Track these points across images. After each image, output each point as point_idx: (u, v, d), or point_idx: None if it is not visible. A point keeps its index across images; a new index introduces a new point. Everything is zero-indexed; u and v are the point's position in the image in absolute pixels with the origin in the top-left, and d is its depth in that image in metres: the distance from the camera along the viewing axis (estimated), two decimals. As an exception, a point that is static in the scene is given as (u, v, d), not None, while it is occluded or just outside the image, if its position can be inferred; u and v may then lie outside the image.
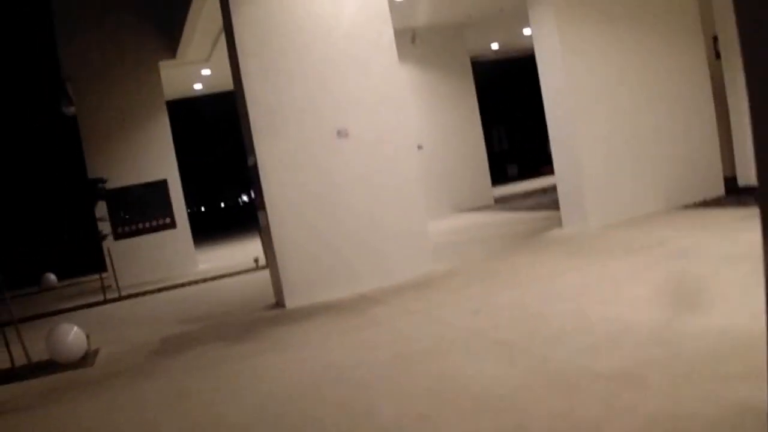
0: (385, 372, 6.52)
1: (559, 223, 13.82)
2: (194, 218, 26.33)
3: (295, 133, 10.95)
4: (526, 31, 24.57)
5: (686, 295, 7.19)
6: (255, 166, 10.84)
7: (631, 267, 9.12)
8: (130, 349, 10.00)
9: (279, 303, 11.17)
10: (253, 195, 11.97)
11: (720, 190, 13.90)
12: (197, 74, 23.35)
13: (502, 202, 23.12)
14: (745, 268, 7.66)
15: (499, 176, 27.10)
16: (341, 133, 11.05)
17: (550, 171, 33.19)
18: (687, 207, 13.24)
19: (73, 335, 9.68)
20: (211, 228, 39.77)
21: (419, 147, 20.51)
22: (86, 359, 9.64)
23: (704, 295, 7.02)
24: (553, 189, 22.70)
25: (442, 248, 13.74)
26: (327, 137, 11.10)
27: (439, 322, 8.08)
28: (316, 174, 11.03)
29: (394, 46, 11.74)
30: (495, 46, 28.05)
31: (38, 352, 9.75)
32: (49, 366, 9.50)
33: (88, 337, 9.88)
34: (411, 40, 21.73)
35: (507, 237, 14.31)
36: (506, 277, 10.12)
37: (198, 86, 25.71)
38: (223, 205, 69.95)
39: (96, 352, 10.07)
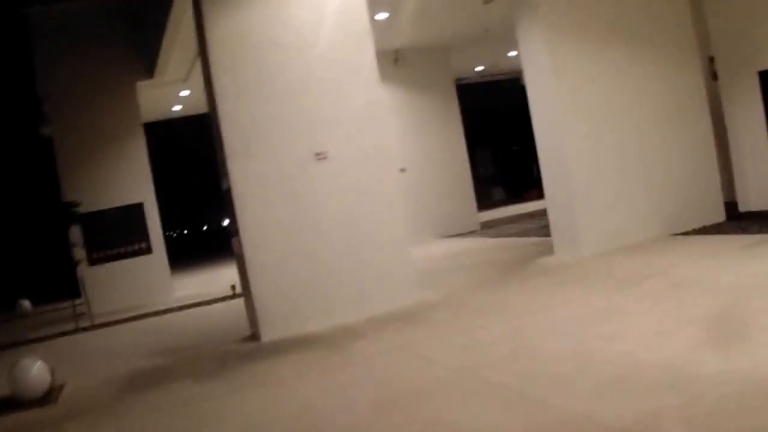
0: (368, 417, 5.94)
1: (550, 250, 13.22)
2: (174, 242, 25.78)
3: (271, 156, 10.40)
4: (511, 53, 24.34)
5: (699, 332, 6.59)
6: (228, 190, 10.22)
7: (633, 299, 8.53)
8: (96, 385, 9.41)
9: (254, 335, 10.51)
10: (227, 220, 11.37)
11: (720, 215, 13.42)
12: (176, 95, 22.73)
13: (488, 228, 22.49)
14: (758, 302, 7.13)
15: (484, 201, 26.59)
16: (319, 156, 10.48)
17: (536, 195, 33.23)
18: (686, 234, 12.71)
19: (35, 370, 9.04)
20: (191, 252, 39.05)
21: (402, 170, 19.83)
22: (50, 395, 9.01)
23: (719, 332, 6.49)
24: (540, 214, 22.38)
25: (427, 276, 13.09)
26: (304, 160, 10.55)
27: (426, 360, 7.44)
28: (293, 198, 10.46)
29: (375, 64, 11.21)
30: (480, 67, 27.60)
31: (1, 386, 9.15)
32: (9, 403, 8.88)
33: (53, 371, 9.25)
34: (394, 61, 21.19)
35: (496, 264, 13.70)
36: (497, 308, 9.50)
37: (177, 107, 25.09)
38: (204, 228, 69.43)
39: (61, 387, 9.46)
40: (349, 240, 10.73)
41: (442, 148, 22.48)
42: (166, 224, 24.03)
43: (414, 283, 11.22)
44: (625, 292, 8.91)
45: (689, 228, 12.95)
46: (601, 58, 12.69)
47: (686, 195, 13.11)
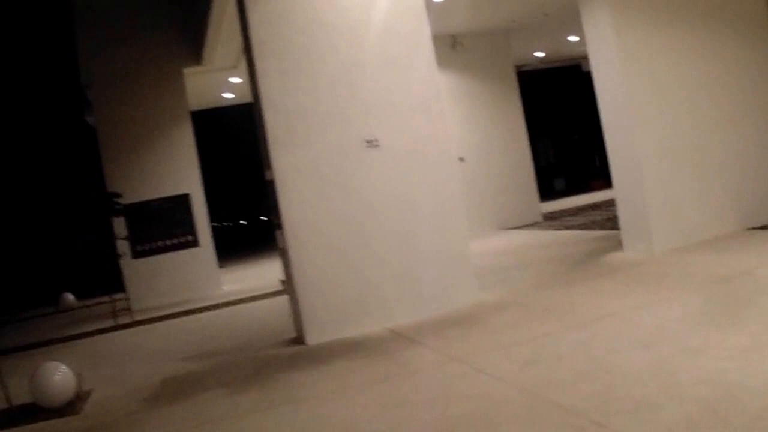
0: (417, 449, 5.08)
1: (618, 245, 12.32)
2: (224, 234, 25.13)
3: (318, 144, 9.60)
4: (572, 38, 23.84)
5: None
6: (272, 181, 9.41)
7: (717, 305, 7.61)
8: (125, 393, 8.67)
9: (298, 338, 9.72)
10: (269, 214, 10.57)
11: None
12: (226, 82, 21.97)
13: (550, 219, 21.58)
14: None
15: (545, 191, 25.66)
16: (371, 144, 9.65)
17: (599, 186, 32.43)
18: (762, 228, 11.76)
19: (59, 376, 8.37)
20: (241, 244, 38.39)
21: (461, 159, 19.05)
22: (74, 404, 8.33)
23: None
24: (605, 205, 21.56)
25: (487, 273, 12.21)
26: (355, 148, 9.73)
27: (486, 375, 6.55)
28: (342, 189, 9.66)
29: (432, 47, 10.37)
30: (539, 54, 26.85)
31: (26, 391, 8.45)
32: (30, 412, 8.23)
33: (78, 377, 8.53)
34: (452, 46, 20.37)
35: (560, 260, 12.78)
36: (565, 313, 8.58)
37: (228, 95, 24.34)
38: (255, 219, 69.06)
39: (88, 394, 8.81)
40: (403, 235, 9.90)
41: (502, 137, 21.57)
42: (215, 216, 23.41)
43: (473, 281, 10.33)
44: (707, 297, 7.99)
45: (765, 222, 12.02)
46: (674, 42, 11.81)
47: (762, 186, 12.18)
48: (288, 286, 10.00)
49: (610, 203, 21.04)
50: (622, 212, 12.09)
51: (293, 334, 9.98)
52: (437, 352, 7.78)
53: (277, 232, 9.76)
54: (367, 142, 9.66)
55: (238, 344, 10.52)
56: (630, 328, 7.25)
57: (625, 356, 6.25)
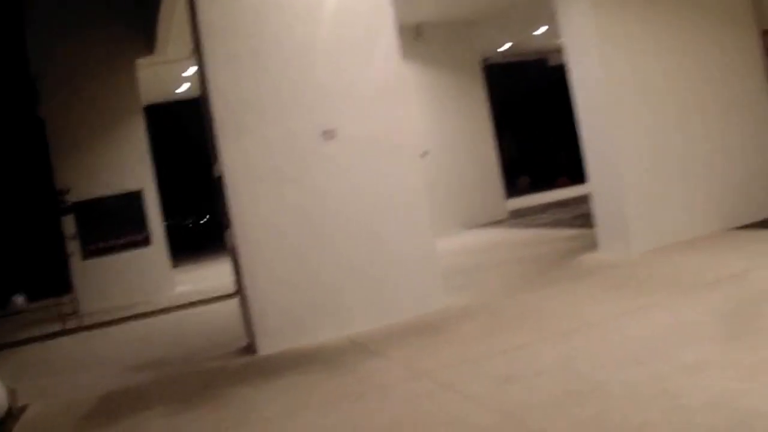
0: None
1: (592, 244, 11.61)
2: (178, 232, 24.38)
3: (271, 134, 8.80)
4: (539, 31, 23.49)
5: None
6: (221, 177, 8.63)
7: (709, 312, 6.87)
8: (62, 409, 7.91)
9: (250, 346, 8.92)
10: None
11: None
12: (181, 74, 21.09)
13: (517, 217, 20.89)
14: None
15: (509, 188, 25.07)
16: (328, 134, 8.88)
17: (564, 183, 31.83)
18: (747, 227, 11.13)
19: (-11, 391, 7.59)
20: (195, 243, 37.43)
21: (424, 154, 18.37)
22: (4, 423, 7.51)
23: None
24: (572, 202, 20.96)
25: (453, 275, 11.41)
26: (310, 139, 8.93)
27: (458, 395, 5.77)
28: (296, 184, 8.87)
29: (394, 28, 9.63)
30: (504, 47, 26.22)
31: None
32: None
33: (12, 392, 7.75)
34: (415, 36, 19.66)
35: (531, 261, 12.06)
36: (541, 320, 7.82)
37: (183, 88, 23.46)
38: (209, 217, 68.09)
39: (22, 410, 7.98)
40: (363, 234, 9.14)
41: (466, 132, 20.95)
42: (169, 213, 22.61)
43: (440, 284, 9.58)
44: (697, 303, 7.26)
45: (748, 221, 11.39)
46: (654, 30, 11.18)
47: (746, 183, 11.57)
48: (239, 290, 9.20)
49: (578, 201, 20.54)
50: (598, 210, 11.38)
51: (245, 342, 9.20)
52: (402, 366, 7.02)
53: (227, 232, 8.96)
54: (324, 132, 8.88)
55: (187, 353, 9.74)
56: (617, 340, 6.50)
57: (616, 373, 5.50)
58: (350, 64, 9.25)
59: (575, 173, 32.35)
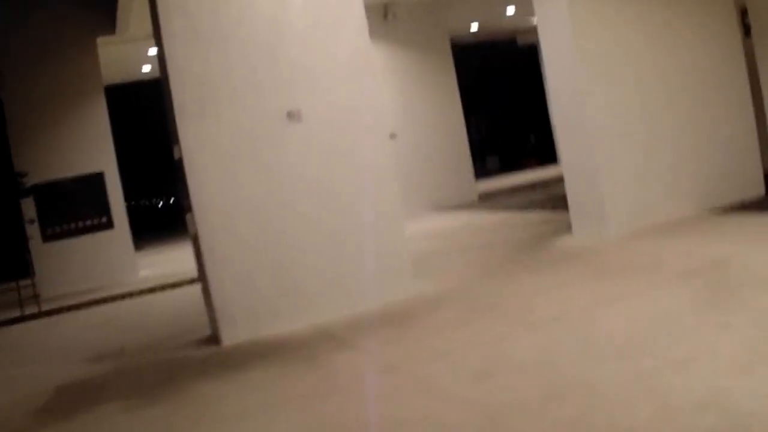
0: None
1: (566, 228, 11.33)
2: (142, 214, 24.00)
3: (232, 116, 8.39)
4: (509, 11, 23.30)
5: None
6: (180, 159, 8.25)
7: (696, 301, 6.56)
8: (15, 402, 7.52)
9: (214, 336, 8.56)
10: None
11: (759, 188, 11.69)
12: (144, 53, 20.63)
13: (487, 200, 20.66)
14: None
15: (478, 170, 24.84)
16: (292, 116, 8.51)
17: (533, 164, 31.70)
18: (725, 210, 10.92)
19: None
20: (160, 225, 36.92)
21: (392, 136, 18.06)
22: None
23: None
24: (542, 184, 20.76)
25: (423, 260, 11.06)
26: (274, 120, 8.53)
27: (431, 392, 5.43)
28: (260, 168, 8.47)
29: (363, 8, 9.23)
30: (473, 27, 26.04)
31: None
32: None
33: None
34: (384, 16, 19.32)
35: (504, 245, 11.77)
36: (516, 309, 7.49)
37: (147, 68, 23.01)
38: (177, 198, 67.63)
39: (-27, 404, 7.58)
40: (329, 219, 8.77)
41: (436, 113, 20.76)
42: (132, 195, 22.21)
43: (410, 271, 9.23)
44: (681, 292, 6.92)
45: (726, 202, 11.23)
46: (630, 12, 10.91)
47: (723, 165, 11.37)
48: (201, 277, 8.83)
49: (548, 183, 20.36)
50: (572, 192, 11.07)
51: (208, 332, 8.82)
52: (370, 358, 6.69)
53: (188, 216, 8.58)
54: (289, 114, 8.51)
55: (149, 341, 9.34)
56: (597, 331, 6.19)
57: (599, 368, 5.17)
58: (317, 41, 8.86)
59: (544, 154, 32.40)
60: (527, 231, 12.71)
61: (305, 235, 8.65)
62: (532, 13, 23.86)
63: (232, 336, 8.23)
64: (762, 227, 9.56)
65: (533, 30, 27.73)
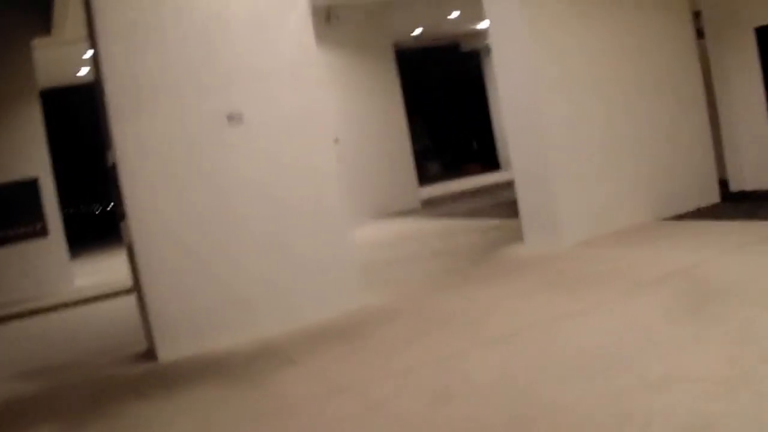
0: None
1: (517, 235, 10.96)
2: (79, 221, 23.38)
3: (171, 117, 7.89)
4: (453, 15, 23.21)
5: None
6: (114, 165, 7.75)
7: (664, 313, 6.21)
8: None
9: (150, 351, 8.04)
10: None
11: (714, 196, 11.57)
12: (81, 56, 20.00)
13: (430, 206, 20.22)
14: None
15: (420, 175, 24.44)
16: (233, 119, 8.04)
17: (475, 170, 31.33)
18: (681, 217, 10.70)
19: None
20: (97, 232, 36.12)
21: (336, 141, 17.66)
22: None
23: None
24: (486, 190, 20.54)
25: (370, 270, 10.58)
26: (214, 123, 8.05)
27: (385, 417, 4.99)
28: (199, 174, 7.98)
29: (308, 6, 8.84)
30: (417, 32, 25.69)
31: None
32: None
33: None
34: (326, 19, 18.90)
35: (453, 254, 11.36)
36: (472, 323, 7.06)
37: (84, 71, 22.37)
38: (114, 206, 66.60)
39: None
40: (274, 226, 8.32)
41: (379, 118, 20.34)
42: (70, 202, 21.63)
43: (358, 281, 8.83)
44: (647, 303, 6.59)
45: (682, 210, 11.02)
46: (584, 15, 10.61)
47: (678, 172, 11.19)
48: (136, 288, 8.34)
49: (492, 188, 20.00)
50: (524, 199, 10.68)
51: (145, 346, 8.30)
52: (317, 378, 6.22)
53: (122, 224, 8.09)
54: (229, 116, 8.05)
55: (81, 357, 8.76)
56: (563, 347, 5.79)
57: (569, 389, 4.77)
58: (260, 41, 8.41)
59: (487, 160, 32.09)
60: (476, 239, 12.32)
61: (248, 243, 8.19)
62: (476, 19, 23.87)
63: (169, 351, 7.73)
64: (719, 235, 9.25)
65: (477, 35, 28.03)
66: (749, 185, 11.89)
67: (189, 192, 7.91)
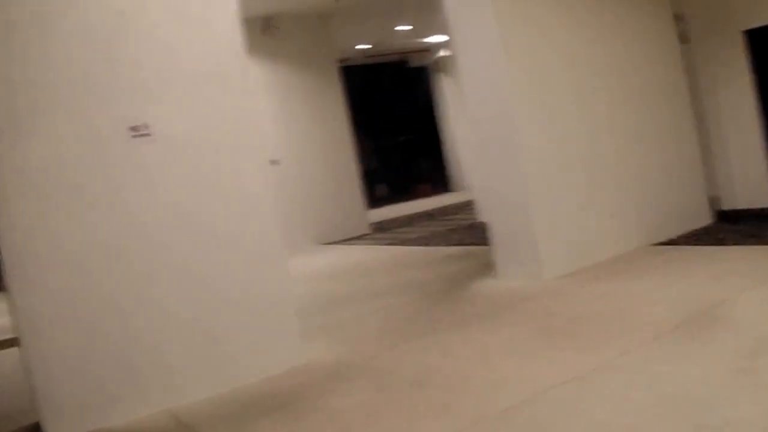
0: None
1: (485, 266, 9.45)
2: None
3: (59, 133, 6.12)
4: (400, 27, 21.78)
5: None
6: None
7: (694, 370, 4.64)
8: None
9: (37, 427, 6.20)
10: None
11: (706, 216, 10.47)
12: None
13: (380, 231, 18.63)
14: None
15: (368, 197, 22.95)
16: (137, 133, 6.33)
17: (425, 191, 29.91)
18: (673, 242, 9.38)
19: None
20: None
21: (274, 162, 16.13)
22: None
23: None
24: (440, 213, 19.26)
25: (316, 311, 8.93)
26: (115, 139, 6.28)
27: None
28: (96, 202, 6.19)
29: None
30: (363, 45, 24.42)
31: None
32: None
33: None
34: (263, 30, 17.36)
35: (414, 290, 9.50)
36: (454, 389, 5.31)
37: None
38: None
39: None
40: (190, 265, 6.56)
41: (323, 137, 18.79)
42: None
43: (297, 328, 7.01)
44: (678, 359, 4.97)
45: (674, 234, 9.78)
46: (562, 19, 9.29)
47: (666, 192, 9.95)
48: (20, 349, 6.58)
49: (445, 211, 18.67)
50: (497, 225, 9.11)
51: (32, 420, 6.45)
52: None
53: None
54: (133, 130, 6.32)
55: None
56: (584, 428, 4.16)
57: None
58: (174, 36, 6.68)
59: (438, 181, 30.72)
60: (438, 270, 10.58)
61: (160, 290, 6.42)
62: (426, 33, 22.57)
63: (61, 427, 6.00)
64: (728, 264, 7.82)
65: (426, 50, 26.71)
66: (740, 203, 10.68)
67: (86, 225, 6.13)
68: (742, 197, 10.66)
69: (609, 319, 6.38)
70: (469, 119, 9.20)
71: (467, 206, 18.55)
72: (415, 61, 28.05)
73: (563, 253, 8.67)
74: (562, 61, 9.16)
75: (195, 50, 6.77)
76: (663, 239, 9.59)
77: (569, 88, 9.17)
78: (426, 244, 13.98)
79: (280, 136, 17.50)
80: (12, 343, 9.98)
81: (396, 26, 21.45)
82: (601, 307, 6.78)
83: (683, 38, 10.79)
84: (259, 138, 7.13)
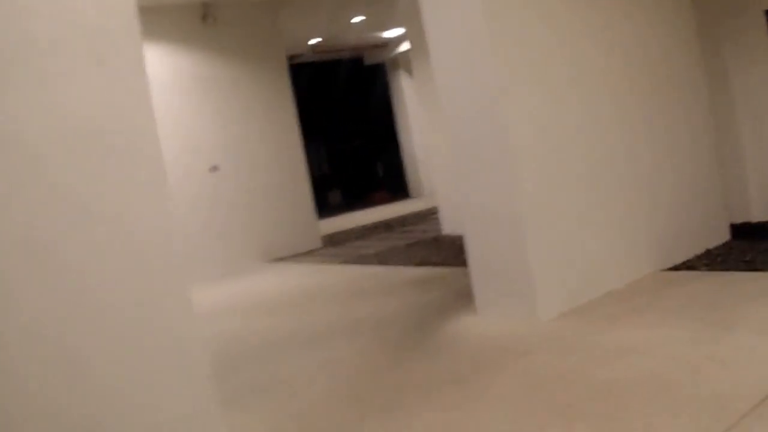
0: None
1: (458, 296, 7.80)
2: None
3: None
4: (356, 19, 20.31)
5: None
6: None
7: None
8: None
9: None
10: None
11: (724, 233, 8.84)
12: None
13: (333, 245, 16.81)
14: None
15: (319, 206, 21.32)
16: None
17: (381, 199, 28.34)
18: (691, 267, 7.72)
19: None
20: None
21: (214, 169, 14.38)
22: None
23: None
24: (399, 223, 17.80)
25: (244, 360, 6.98)
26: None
27: None
28: None
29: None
30: (315, 40, 22.75)
31: None
32: None
33: None
34: (202, 18, 15.56)
35: (373, 331, 7.44)
36: None
37: None
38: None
39: None
40: (43, 327, 4.46)
41: (269, 140, 17.22)
42: None
43: (213, 401, 4.98)
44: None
45: (690, 255, 8.20)
46: (563, 17, 7.53)
47: (681, 207, 8.35)
48: None
49: (404, 220, 17.36)
50: (477, 249, 7.27)
51: None
52: None
53: None
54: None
55: None
56: None
57: None
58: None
59: (395, 187, 29.22)
60: (400, 300, 8.59)
61: (15, 347, 4.45)
62: (381, 26, 20.92)
63: None
64: (752, 285, 6.32)
65: (383, 46, 25.16)
66: (755, 216, 9.22)
67: None
68: (756, 209, 9.23)
69: (647, 390, 4.45)
70: (445, 119, 7.36)
71: (429, 215, 16.98)
72: (370, 58, 26.71)
73: (563, 283, 6.91)
74: (563, 50, 7.43)
75: (57, 9, 4.64)
76: (679, 261, 7.99)
77: (570, 81, 7.46)
78: (384, 263, 12.05)
79: (220, 138, 15.84)
80: None
81: (351, 18, 20.10)
82: (630, 370, 4.82)
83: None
84: (155, 135, 5.07)
